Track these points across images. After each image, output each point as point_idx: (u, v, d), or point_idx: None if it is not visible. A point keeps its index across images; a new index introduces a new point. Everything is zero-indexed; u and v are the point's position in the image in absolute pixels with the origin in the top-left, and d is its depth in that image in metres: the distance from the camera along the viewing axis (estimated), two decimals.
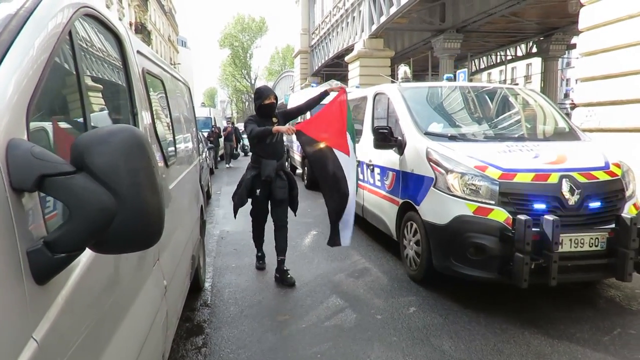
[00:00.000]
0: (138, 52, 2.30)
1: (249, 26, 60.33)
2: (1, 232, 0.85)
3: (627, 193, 3.84)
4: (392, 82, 6.15)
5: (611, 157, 4.01)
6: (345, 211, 4.35)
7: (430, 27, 19.23)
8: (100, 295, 1.35)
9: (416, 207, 4.22)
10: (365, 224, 5.95)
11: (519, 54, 25.22)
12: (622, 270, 3.44)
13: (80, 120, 1.39)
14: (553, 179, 3.63)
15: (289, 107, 4.48)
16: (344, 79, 24.71)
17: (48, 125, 1.23)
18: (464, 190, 3.75)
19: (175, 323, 2.53)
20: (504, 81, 29.05)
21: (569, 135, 4.78)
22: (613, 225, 3.57)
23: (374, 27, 18.68)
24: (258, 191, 4.39)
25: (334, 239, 4.43)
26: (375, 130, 4.82)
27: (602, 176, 3.76)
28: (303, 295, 4.12)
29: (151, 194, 1.01)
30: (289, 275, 4.38)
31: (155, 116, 2.42)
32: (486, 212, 3.60)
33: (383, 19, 17.41)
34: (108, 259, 1.40)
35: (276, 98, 4.47)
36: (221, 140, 17.49)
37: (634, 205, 3.84)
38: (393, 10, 16.19)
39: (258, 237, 4.80)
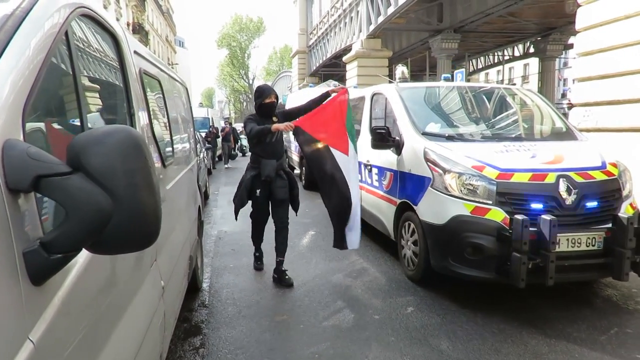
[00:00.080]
0: (135, 52, 2.30)
1: (247, 26, 60.31)
2: None
3: (624, 193, 3.85)
4: (390, 82, 6.16)
5: (608, 157, 4.02)
6: (351, 214, 4.30)
7: (427, 27, 19.25)
8: (97, 296, 1.35)
9: (414, 207, 4.23)
10: (363, 224, 5.94)
11: (517, 54, 25.28)
12: (619, 269, 3.46)
13: (77, 120, 1.39)
14: (550, 178, 3.64)
15: (287, 107, 4.41)
16: (341, 79, 24.73)
17: (44, 126, 1.23)
18: (461, 190, 3.75)
19: (172, 324, 2.53)
20: (502, 81, 29.10)
21: (566, 135, 4.80)
22: (610, 225, 3.58)
23: (372, 28, 18.69)
24: (258, 191, 4.34)
25: (338, 242, 4.40)
26: (373, 131, 4.83)
27: (599, 176, 3.77)
28: (301, 295, 4.12)
29: (148, 194, 1.01)
30: (287, 276, 4.38)
31: (152, 116, 2.42)
32: (484, 212, 3.61)
33: (381, 19, 17.42)
34: (105, 259, 1.40)
35: (277, 97, 4.42)
36: (219, 140, 17.46)
37: (631, 204, 3.85)
38: (391, 10, 16.20)
39: (257, 237, 4.76)
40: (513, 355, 3.00)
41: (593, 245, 3.56)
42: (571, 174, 3.68)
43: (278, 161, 4.34)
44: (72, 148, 0.95)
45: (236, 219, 4.62)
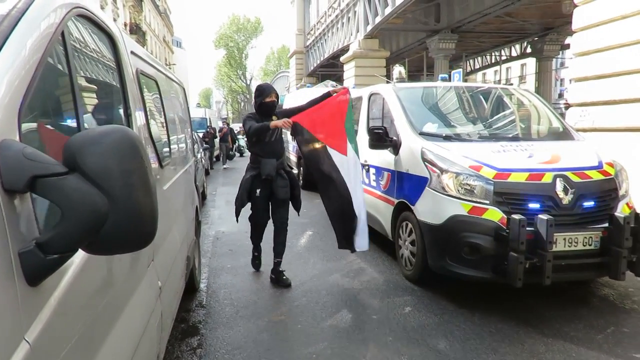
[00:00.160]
0: (132, 52, 2.30)
1: (244, 26, 60.28)
2: None
3: (621, 192, 3.86)
4: (387, 82, 6.16)
5: (604, 157, 4.04)
6: (357, 216, 4.26)
7: (425, 27, 19.27)
8: (93, 296, 1.34)
9: (411, 207, 4.23)
10: None
11: (514, 54, 25.32)
12: (616, 269, 3.47)
13: (73, 121, 1.39)
14: (547, 178, 3.65)
15: (284, 107, 4.33)
16: (339, 79, 24.75)
17: (40, 126, 1.23)
18: (458, 190, 3.76)
19: (170, 324, 2.53)
20: (499, 81, 29.17)
21: (563, 135, 4.81)
22: (606, 225, 3.60)
23: (369, 28, 18.70)
24: (258, 191, 4.26)
25: (342, 243, 4.39)
26: (371, 131, 4.83)
27: (596, 175, 3.78)
28: (299, 295, 4.12)
29: (144, 194, 1.01)
30: (284, 277, 4.37)
31: (149, 117, 2.41)
32: (481, 211, 3.61)
33: (378, 19, 17.44)
34: (101, 260, 1.39)
35: (277, 96, 4.35)
36: (216, 140, 17.45)
37: (627, 204, 3.86)
38: (388, 10, 16.22)
39: (256, 237, 4.68)
40: (510, 355, 3.01)
41: (590, 245, 3.58)
42: (568, 173, 3.69)
43: (278, 160, 4.27)
44: (68, 148, 0.95)
45: (237, 220, 4.51)
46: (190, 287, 3.96)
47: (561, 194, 3.60)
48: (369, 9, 18.33)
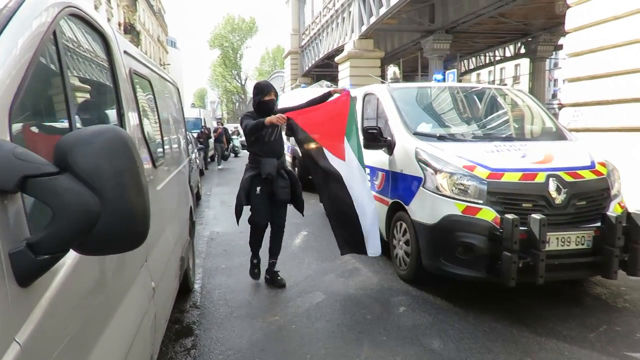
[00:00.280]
0: (125, 52, 2.29)
1: (239, 26, 60.23)
2: None
3: (613, 192, 3.89)
4: (382, 82, 6.18)
5: (597, 157, 4.06)
6: (366, 220, 4.16)
7: (419, 27, 19.34)
8: (85, 297, 1.34)
9: (405, 207, 4.24)
10: None
11: (508, 54, 25.48)
12: (608, 268, 3.49)
13: (65, 120, 1.38)
14: (540, 178, 3.67)
15: (279, 107, 4.24)
16: (334, 79, 24.74)
17: (31, 126, 1.22)
18: (452, 190, 3.77)
19: (164, 325, 2.52)
20: (493, 82, 29.31)
21: (556, 135, 4.84)
22: (599, 224, 3.62)
23: (364, 28, 18.74)
24: (258, 189, 4.09)
25: (343, 248, 4.27)
26: (365, 131, 4.83)
27: (588, 175, 3.81)
28: (293, 295, 4.11)
29: (136, 194, 1.01)
30: (279, 277, 4.37)
31: (142, 117, 2.41)
32: (474, 211, 3.63)
33: (373, 19, 17.47)
34: (93, 260, 1.39)
35: (276, 94, 4.22)
36: (211, 141, 17.40)
37: (619, 204, 3.89)
38: (383, 11, 16.26)
39: (255, 242, 4.42)
40: (504, 354, 3.02)
41: (582, 244, 3.60)
42: (561, 173, 3.71)
43: (279, 160, 4.15)
44: (59, 148, 0.94)
45: (238, 222, 4.28)
46: (185, 288, 3.95)
47: (554, 194, 3.62)
48: (364, 9, 18.37)
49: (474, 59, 28.71)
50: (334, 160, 4.15)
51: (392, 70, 6.61)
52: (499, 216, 3.52)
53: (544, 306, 3.76)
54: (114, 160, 0.96)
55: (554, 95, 37.92)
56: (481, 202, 3.64)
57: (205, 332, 3.42)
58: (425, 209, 3.95)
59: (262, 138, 4.09)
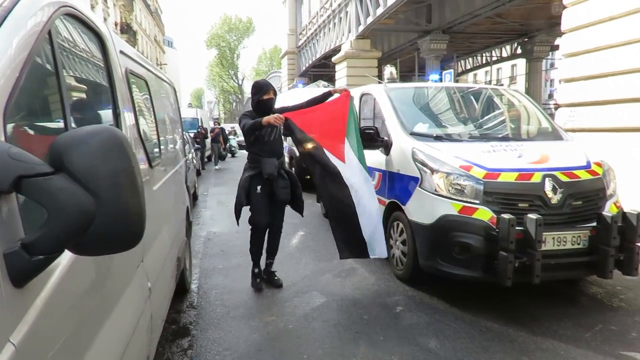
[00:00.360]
0: (121, 52, 2.28)
1: (236, 26, 60.15)
2: None
3: (608, 192, 3.91)
4: (379, 82, 6.18)
5: (593, 157, 4.08)
6: (372, 222, 4.09)
7: (416, 28, 19.36)
8: (81, 297, 1.33)
9: (402, 207, 4.24)
10: None
11: (504, 55, 25.52)
12: (604, 267, 3.51)
13: (60, 120, 1.38)
14: (536, 178, 3.68)
15: (276, 107, 4.15)
16: (331, 79, 24.77)
17: (26, 126, 1.21)
18: (449, 190, 3.78)
19: (160, 326, 2.51)
20: (490, 82, 29.38)
21: (552, 135, 4.86)
22: (594, 224, 3.64)
23: (361, 28, 18.75)
24: (259, 188, 4.03)
25: (343, 252, 4.17)
26: (362, 131, 4.82)
27: (584, 175, 3.82)
28: (290, 295, 4.11)
29: (132, 195, 1.00)
30: (276, 277, 4.36)
31: (138, 117, 2.40)
32: (471, 211, 3.63)
33: (370, 19, 17.49)
34: (89, 260, 1.38)
35: (275, 93, 4.15)
36: (207, 141, 17.38)
37: (615, 203, 3.91)
38: (380, 11, 16.28)
39: (257, 248, 4.30)
40: (500, 353, 3.03)
41: (578, 244, 3.61)
42: (557, 173, 3.73)
43: (278, 160, 4.12)
44: (54, 148, 0.94)
45: (237, 223, 4.21)
46: (181, 288, 3.95)
47: (550, 194, 3.64)
48: (361, 9, 18.38)
49: (470, 59, 28.76)
50: (334, 161, 4.09)
51: (389, 70, 6.63)
52: (495, 216, 3.53)
53: (540, 306, 3.77)
54: (110, 160, 0.96)
55: (551, 96, 37.99)
56: (478, 202, 3.65)
57: (202, 333, 3.42)
58: (422, 209, 3.96)
59: (261, 138, 4.05)
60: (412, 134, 4.50)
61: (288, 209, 4.39)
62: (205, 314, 3.76)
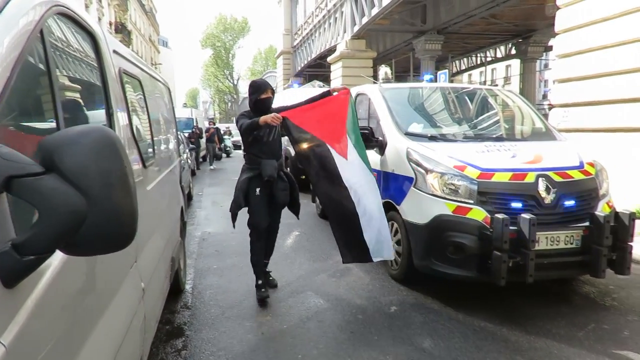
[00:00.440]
0: (114, 51, 2.27)
1: (231, 26, 60.04)
2: None
3: (601, 192, 3.93)
4: (374, 82, 6.19)
5: (586, 157, 4.11)
6: (376, 222, 3.92)
7: (411, 28, 19.41)
8: (73, 298, 1.33)
9: (397, 206, 4.25)
10: None
11: (499, 55, 25.64)
12: (596, 267, 3.53)
13: (52, 120, 1.37)
14: (530, 178, 3.70)
15: (273, 107, 4.04)
16: (326, 79, 24.77)
17: (17, 126, 1.21)
18: (443, 190, 3.79)
19: (154, 326, 2.50)
20: (484, 82, 29.49)
21: (546, 135, 4.88)
22: (587, 224, 3.66)
23: (356, 28, 18.78)
24: (258, 190, 3.92)
25: (346, 257, 3.98)
26: None
27: (577, 175, 3.84)
28: (285, 296, 4.11)
29: (124, 195, 1.00)
30: (271, 277, 4.36)
31: (132, 116, 2.39)
32: (465, 211, 3.65)
33: (365, 20, 17.51)
34: (81, 261, 1.38)
35: (273, 92, 4.02)
36: (202, 141, 17.33)
37: (607, 203, 3.93)
38: (375, 11, 16.31)
39: (258, 258, 4.11)
40: (494, 352, 3.04)
41: (571, 244, 3.64)
42: (550, 173, 3.75)
43: (278, 161, 4.03)
44: (45, 148, 0.93)
45: (234, 225, 4.07)
46: (175, 289, 3.93)
47: (543, 194, 3.66)
48: (356, 9, 18.41)
49: (465, 59, 28.87)
50: (337, 158, 3.96)
51: (384, 70, 6.63)
52: (489, 216, 3.54)
53: (533, 305, 3.79)
54: (101, 160, 0.95)
55: (545, 96, 38.21)
56: (472, 202, 3.66)
57: (196, 333, 3.41)
58: (417, 209, 3.97)
59: (260, 138, 3.95)
60: (407, 134, 4.51)
61: (284, 209, 4.36)
62: (200, 314, 3.75)
